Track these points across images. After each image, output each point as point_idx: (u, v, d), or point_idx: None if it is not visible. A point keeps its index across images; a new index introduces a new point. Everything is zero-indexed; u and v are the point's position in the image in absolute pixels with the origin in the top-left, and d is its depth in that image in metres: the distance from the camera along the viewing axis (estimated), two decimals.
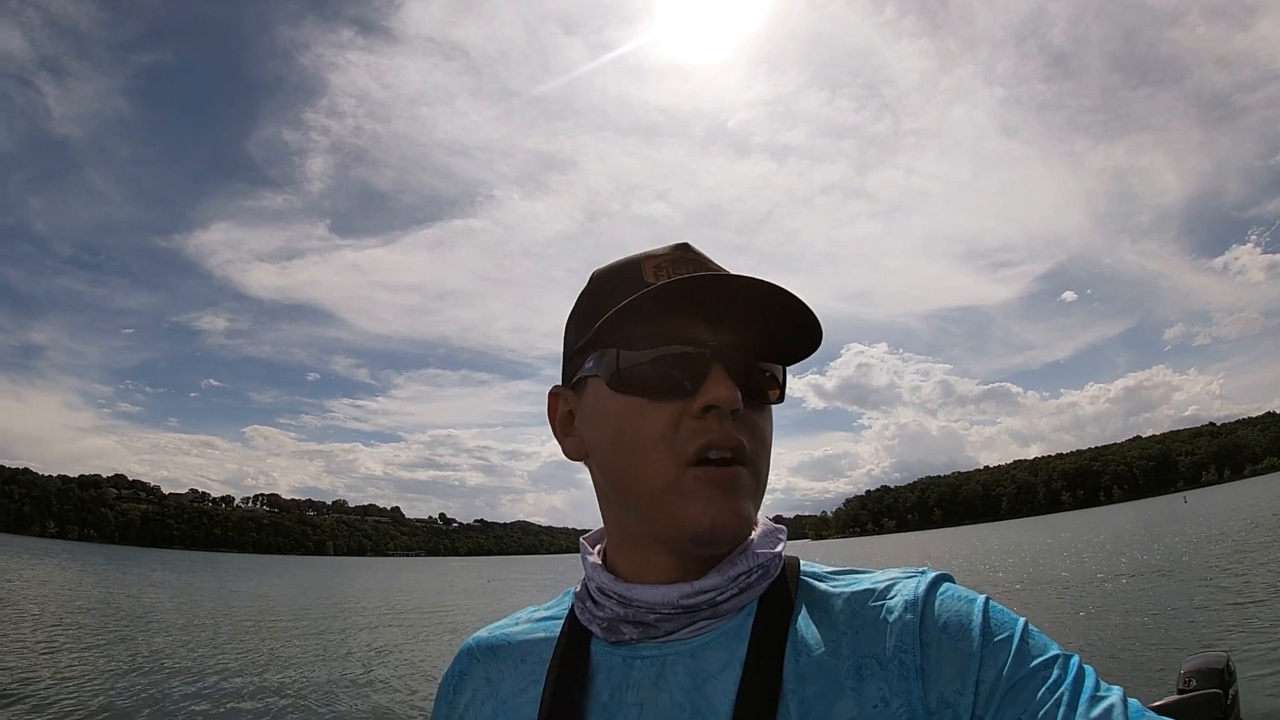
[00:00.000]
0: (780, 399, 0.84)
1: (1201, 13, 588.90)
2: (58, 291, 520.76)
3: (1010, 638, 0.71)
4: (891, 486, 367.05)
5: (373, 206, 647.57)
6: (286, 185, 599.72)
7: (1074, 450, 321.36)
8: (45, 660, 14.85)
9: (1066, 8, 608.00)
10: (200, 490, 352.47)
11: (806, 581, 0.84)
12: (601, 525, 0.92)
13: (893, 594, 0.78)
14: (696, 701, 0.75)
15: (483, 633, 0.95)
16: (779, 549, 0.85)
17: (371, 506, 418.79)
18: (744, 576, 0.80)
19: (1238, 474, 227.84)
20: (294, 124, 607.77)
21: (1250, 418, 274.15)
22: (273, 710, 11.70)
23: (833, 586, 0.83)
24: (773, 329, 0.79)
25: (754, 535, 0.85)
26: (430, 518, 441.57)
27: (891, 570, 0.83)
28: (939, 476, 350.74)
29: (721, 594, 0.79)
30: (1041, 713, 0.65)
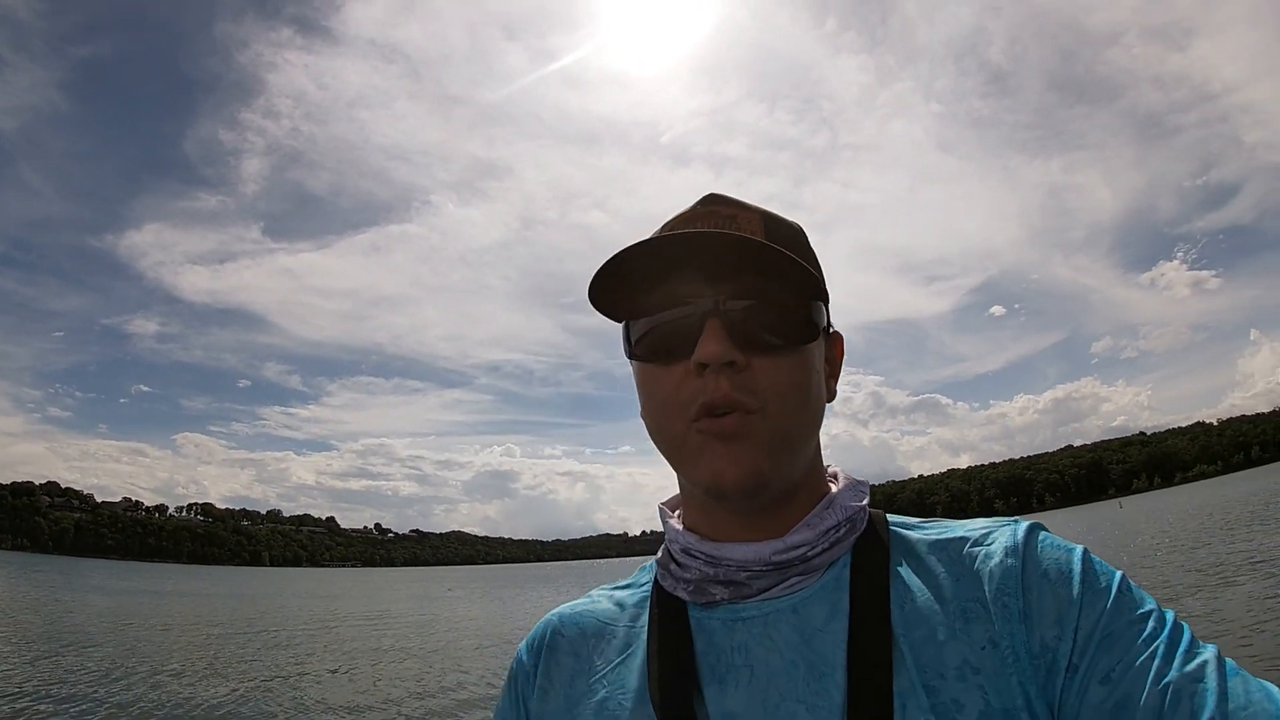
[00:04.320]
0: (810, 338, 0.80)
1: (1139, 34, 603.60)
2: None
3: (1109, 587, 0.72)
4: None
5: (308, 210, 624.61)
6: (221, 186, 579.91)
7: (1005, 459, 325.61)
8: None
9: (1005, 26, 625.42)
10: (133, 499, 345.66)
11: (896, 532, 0.84)
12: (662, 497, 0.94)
13: (991, 540, 0.78)
14: (809, 657, 0.75)
15: (564, 609, 0.94)
16: (864, 501, 0.85)
17: (306, 516, 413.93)
18: (834, 531, 0.80)
19: (1168, 481, 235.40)
20: (230, 123, 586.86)
21: (1179, 427, 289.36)
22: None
23: (925, 535, 0.83)
24: (769, 274, 0.77)
25: (836, 489, 0.86)
26: (365, 528, 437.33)
27: (982, 520, 0.83)
28: (873, 485, 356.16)
29: (813, 549, 0.79)
30: (1138, 663, 0.66)
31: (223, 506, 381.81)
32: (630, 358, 0.85)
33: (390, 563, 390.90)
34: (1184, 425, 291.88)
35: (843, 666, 0.73)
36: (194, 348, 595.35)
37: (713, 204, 0.85)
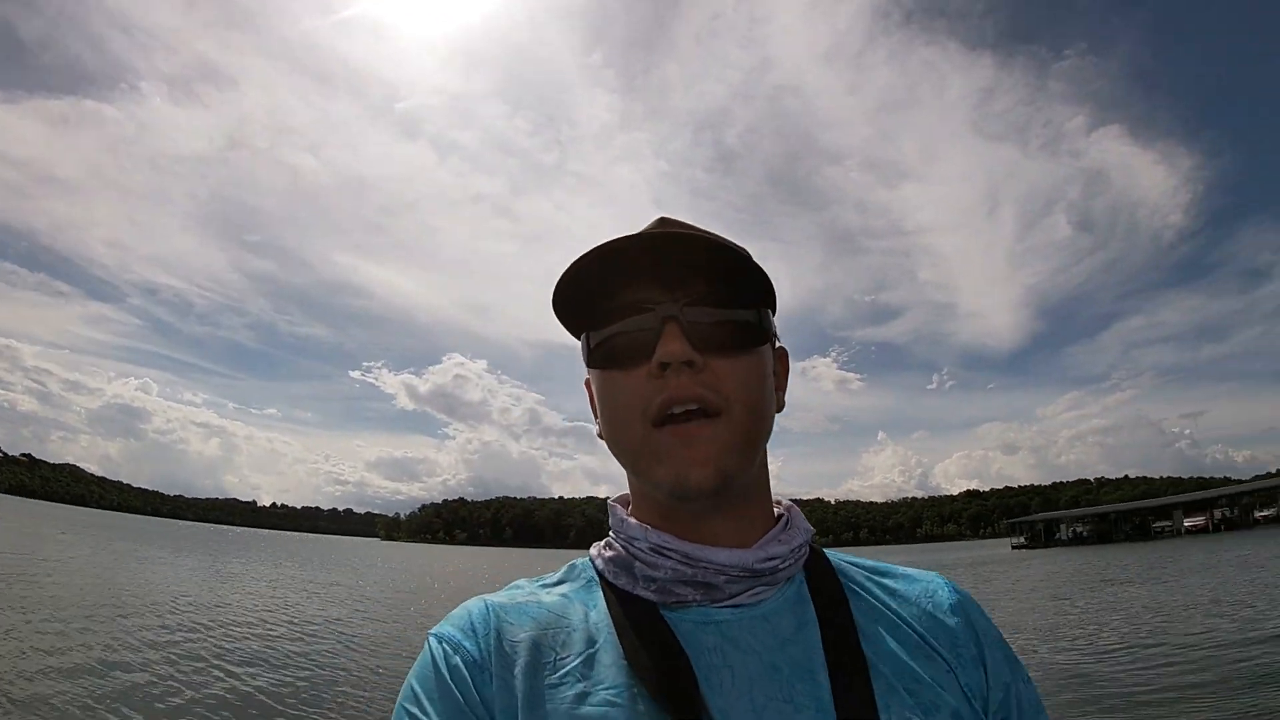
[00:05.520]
0: (760, 341, 0.85)
1: (860, 162, 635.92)
2: None
3: (1017, 658, 0.86)
4: (467, 499, 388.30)
5: (6, 54, 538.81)
6: None
7: None
8: None
9: (749, 116, 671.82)
10: None
11: (834, 560, 0.92)
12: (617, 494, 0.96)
13: (934, 590, 0.89)
14: (792, 656, 0.78)
15: (497, 598, 0.86)
16: (811, 529, 0.91)
17: None
18: (800, 549, 0.86)
19: None
20: None
21: (801, 499, 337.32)
22: None
23: (860, 568, 0.92)
24: (724, 276, 0.82)
25: (784, 511, 0.92)
26: None
27: (908, 567, 0.93)
28: (515, 498, 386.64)
29: (784, 562, 0.83)
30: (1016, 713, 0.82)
31: None
32: (590, 366, 0.88)
33: None
34: (805, 498, 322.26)
35: (823, 668, 0.76)
36: None
37: (666, 225, 0.88)
